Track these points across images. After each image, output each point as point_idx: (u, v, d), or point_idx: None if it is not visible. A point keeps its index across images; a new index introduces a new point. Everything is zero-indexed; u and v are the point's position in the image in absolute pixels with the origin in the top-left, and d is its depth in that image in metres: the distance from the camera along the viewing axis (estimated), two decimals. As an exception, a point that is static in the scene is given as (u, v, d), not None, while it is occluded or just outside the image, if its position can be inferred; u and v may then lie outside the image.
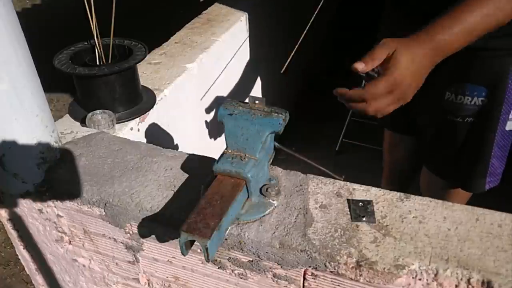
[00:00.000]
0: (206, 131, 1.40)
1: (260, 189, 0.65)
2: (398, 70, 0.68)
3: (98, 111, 0.92)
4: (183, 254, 0.55)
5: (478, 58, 0.88)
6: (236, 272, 0.67)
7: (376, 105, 0.69)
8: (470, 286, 0.53)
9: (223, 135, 0.63)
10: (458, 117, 0.96)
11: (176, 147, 1.21)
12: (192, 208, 0.57)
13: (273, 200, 0.64)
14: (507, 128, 0.96)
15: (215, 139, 1.47)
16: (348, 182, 0.68)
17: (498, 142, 0.97)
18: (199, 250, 0.67)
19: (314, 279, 0.61)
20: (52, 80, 1.38)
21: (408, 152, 1.31)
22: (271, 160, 0.68)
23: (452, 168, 1.04)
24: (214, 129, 1.44)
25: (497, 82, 0.89)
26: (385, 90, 0.68)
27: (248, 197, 0.63)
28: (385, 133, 1.36)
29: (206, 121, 1.38)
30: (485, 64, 0.89)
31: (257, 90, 1.81)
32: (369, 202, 0.63)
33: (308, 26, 1.00)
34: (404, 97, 0.70)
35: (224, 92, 1.49)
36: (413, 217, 0.61)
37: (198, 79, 1.26)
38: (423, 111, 1.05)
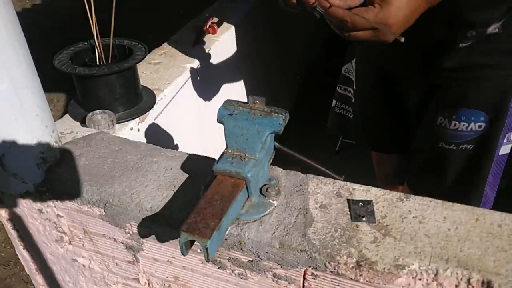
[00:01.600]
0: (206, 131, 1.40)
1: (260, 189, 0.65)
2: (391, 7, 0.62)
3: (98, 111, 0.92)
4: (183, 254, 0.55)
5: (476, 80, 0.84)
6: (236, 272, 0.67)
7: (355, 34, 0.64)
8: (470, 286, 0.53)
9: (223, 135, 0.63)
10: (452, 145, 0.90)
11: (176, 147, 1.21)
12: (192, 208, 0.57)
13: (273, 200, 0.64)
14: (500, 153, 0.90)
15: (215, 139, 1.47)
16: (348, 182, 0.68)
17: (493, 169, 0.92)
18: (199, 250, 0.67)
19: (314, 279, 0.61)
20: (52, 80, 1.38)
21: (398, 168, 1.25)
22: (271, 160, 0.68)
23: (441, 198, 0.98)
24: (214, 129, 1.44)
25: (498, 106, 0.84)
26: (370, 25, 0.63)
27: (248, 197, 0.64)
28: (371, 151, 1.32)
29: (206, 121, 1.38)
30: (484, 87, 0.84)
31: (257, 90, 1.81)
32: (369, 202, 0.63)
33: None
34: (385, 38, 0.65)
35: (224, 92, 1.49)
36: (413, 217, 0.61)
37: (198, 79, 1.26)
38: (414, 135, 1.00)
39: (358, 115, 1.16)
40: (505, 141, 0.89)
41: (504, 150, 0.90)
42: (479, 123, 0.85)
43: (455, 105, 0.86)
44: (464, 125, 0.86)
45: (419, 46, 0.84)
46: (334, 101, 1.23)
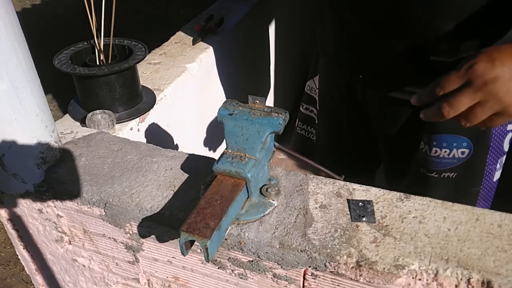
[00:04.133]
0: (206, 131, 1.40)
1: (260, 189, 0.65)
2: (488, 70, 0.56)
3: (98, 111, 0.92)
4: (183, 254, 0.55)
5: None
6: (236, 272, 0.67)
7: (453, 102, 0.57)
8: (470, 286, 0.53)
9: (223, 135, 0.63)
10: (433, 172, 0.85)
11: (176, 147, 1.21)
12: (192, 208, 0.57)
13: (273, 200, 0.64)
14: (495, 179, 0.87)
15: (215, 139, 1.47)
16: (348, 182, 0.68)
17: (483, 195, 0.88)
18: (199, 250, 0.67)
19: (314, 279, 0.61)
20: (52, 80, 1.38)
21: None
22: (271, 160, 0.68)
23: None
24: (214, 129, 1.44)
25: (480, 130, 0.79)
26: (458, 78, 0.57)
27: (248, 197, 0.64)
28: None
29: (206, 121, 1.38)
30: None
31: (257, 90, 1.81)
32: (369, 202, 0.63)
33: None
34: (498, 101, 0.56)
35: (224, 92, 1.49)
36: (413, 217, 0.61)
37: (198, 79, 1.26)
38: (396, 159, 0.94)
39: (321, 139, 1.08)
40: (497, 166, 0.85)
41: (497, 176, 0.87)
42: (462, 149, 0.82)
43: (435, 130, 0.82)
44: (445, 151, 0.82)
45: (411, 62, 0.79)
46: (297, 121, 1.15)
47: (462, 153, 0.82)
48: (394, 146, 0.93)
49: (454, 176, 0.85)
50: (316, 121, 1.07)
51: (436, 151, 0.84)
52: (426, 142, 0.84)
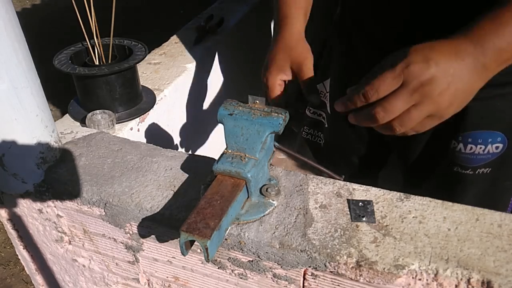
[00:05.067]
0: (206, 131, 1.40)
1: (260, 189, 0.65)
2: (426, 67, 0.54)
3: (98, 111, 0.92)
4: (183, 254, 0.55)
5: (491, 100, 0.78)
6: (236, 272, 0.67)
7: (388, 107, 0.54)
8: (470, 286, 0.53)
9: (223, 135, 0.63)
10: (468, 169, 0.83)
11: (176, 147, 1.21)
12: (192, 208, 0.57)
13: (273, 200, 0.64)
14: None
15: (215, 139, 1.47)
16: (348, 182, 0.68)
17: None
18: (199, 250, 0.67)
19: (314, 279, 0.61)
20: (52, 80, 1.38)
21: None
22: (271, 160, 0.68)
23: None
24: (214, 129, 1.44)
25: None
26: (392, 80, 0.54)
27: (248, 197, 0.64)
28: None
29: (206, 121, 1.38)
30: (500, 106, 0.78)
31: (257, 90, 1.81)
32: (369, 202, 0.63)
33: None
34: (433, 102, 0.54)
35: (224, 92, 1.49)
36: (413, 217, 0.61)
37: (198, 79, 1.26)
38: (421, 162, 0.91)
39: (331, 144, 1.05)
40: None
41: None
42: (497, 144, 0.80)
43: (470, 128, 0.81)
44: (481, 147, 0.81)
45: None
46: (303, 125, 1.12)
47: (497, 148, 0.81)
48: (420, 149, 0.90)
49: (488, 172, 0.83)
50: (326, 125, 1.05)
51: (471, 148, 0.82)
52: (460, 141, 0.82)
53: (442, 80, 0.54)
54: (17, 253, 0.94)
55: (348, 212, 0.62)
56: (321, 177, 0.69)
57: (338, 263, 0.57)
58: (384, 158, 1.00)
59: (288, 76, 0.78)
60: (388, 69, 0.55)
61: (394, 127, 0.56)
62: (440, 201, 0.63)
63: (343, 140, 1.02)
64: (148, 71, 1.18)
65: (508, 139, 0.80)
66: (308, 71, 0.76)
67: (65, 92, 1.19)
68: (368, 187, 0.66)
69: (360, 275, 0.56)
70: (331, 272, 0.58)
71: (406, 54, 0.55)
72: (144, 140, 1.04)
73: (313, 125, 1.09)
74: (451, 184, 0.88)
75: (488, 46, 0.55)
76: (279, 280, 0.64)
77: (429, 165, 0.90)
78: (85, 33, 0.96)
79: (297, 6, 0.82)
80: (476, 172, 0.84)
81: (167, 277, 0.76)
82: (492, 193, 0.87)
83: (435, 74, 0.54)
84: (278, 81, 0.77)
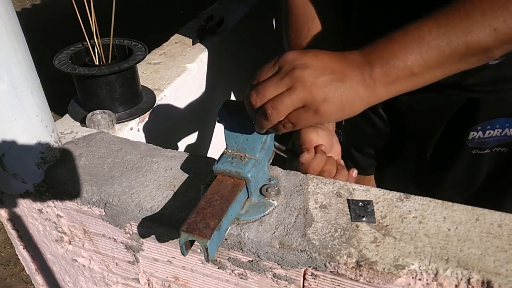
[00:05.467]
0: (206, 131, 1.40)
1: (260, 189, 0.65)
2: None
3: (98, 111, 0.92)
4: (183, 254, 0.55)
5: (502, 93, 0.81)
6: (236, 272, 0.67)
7: (260, 89, 0.54)
8: (470, 286, 0.53)
9: (223, 135, 0.63)
10: (486, 150, 0.88)
11: (176, 147, 1.21)
12: (192, 208, 0.57)
13: (273, 200, 0.64)
14: None
15: (215, 139, 1.47)
16: (348, 182, 0.68)
17: None
18: (199, 250, 0.67)
19: (314, 279, 0.61)
20: (52, 80, 1.38)
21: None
22: (271, 160, 0.68)
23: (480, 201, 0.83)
24: (214, 129, 1.44)
25: None
26: (271, 67, 0.55)
27: (248, 197, 0.64)
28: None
29: (206, 121, 1.38)
30: None
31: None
32: (369, 202, 0.63)
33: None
34: (306, 90, 0.52)
35: (224, 92, 1.49)
36: (413, 217, 0.61)
37: (198, 79, 1.26)
38: (437, 155, 0.94)
39: (349, 139, 1.07)
40: None
41: None
42: None
43: (487, 117, 0.84)
44: (498, 131, 0.85)
45: None
46: None
47: None
48: (436, 143, 0.94)
49: (505, 151, 0.87)
50: (343, 122, 1.06)
51: (489, 133, 0.85)
52: (479, 130, 0.84)
53: (317, 69, 0.52)
54: (17, 253, 0.94)
55: (348, 212, 0.62)
56: (321, 177, 0.69)
57: (338, 263, 0.57)
58: (399, 151, 1.02)
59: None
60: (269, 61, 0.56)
61: (267, 110, 0.53)
62: (440, 201, 0.63)
63: (360, 135, 1.04)
64: (148, 71, 1.18)
65: None
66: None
67: (65, 92, 1.19)
68: (368, 187, 0.66)
69: (360, 275, 0.56)
70: (331, 272, 0.58)
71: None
72: (144, 140, 1.04)
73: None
74: (470, 164, 0.90)
75: (376, 58, 0.54)
76: (279, 280, 0.64)
77: (447, 155, 0.93)
78: (85, 33, 0.96)
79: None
80: (493, 151, 0.87)
81: (167, 277, 0.76)
82: (509, 174, 0.89)
83: (310, 62, 0.53)
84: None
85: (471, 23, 0.53)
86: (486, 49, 0.54)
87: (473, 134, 0.86)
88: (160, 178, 0.71)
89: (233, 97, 1.57)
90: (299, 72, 0.52)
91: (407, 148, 1.01)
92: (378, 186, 0.86)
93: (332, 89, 0.52)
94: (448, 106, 0.88)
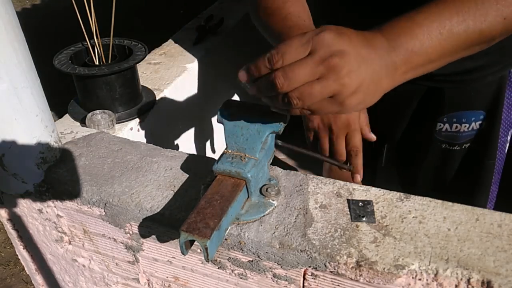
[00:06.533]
0: (206, 131, 1.40)
1: (260, 189, 0.65)
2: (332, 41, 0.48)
3: (98, 111, 0.92)
4: (183, 254, 0.55)
5: (473, 81, 0.82)
6: (236, 272, 0.67)
7: (290, 74, 0.47)
8: (470, 286, 0.53)
9: (223, 135, 0.63)
10: (455, 146, 0.89)
11: (176, 147, 1.21)
12: (192, 208, 0.57)
13: (273, 200, 0.64)
14: (505, 151, 0.91)
15: (215, 139, 1.47)
16: (348, 182, 0.68)
17: (497, 168, 0.92)
18: (199, 250, 0.67)
19: (314, 279, 0.61)
20: (52, 80, 1.38)
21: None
22: (271, 160, 0.68)
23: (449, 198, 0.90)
24: (214, 129, 1.44)
25: (495, 100, 0.84)
26: (300, 46, 0.47)
27: (248, 197, 0.64)
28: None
29: (206, 121, 1.38)
30: (481, 87, 0.82)
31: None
32: (369, 202, 0.63)
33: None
34: (339, 80, 0.47)
35: (224, 92, 1.49)
36: (413, 217, 0.61)
37: (198, 79, 1.26)
38: (409, 146, 0.95)
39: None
40: (508, 138, 0.89)
41: (506, 148, 0.90)
42: (479, 122, 0.85)
43: (454, 108, 0.84)
44: (465, 126, 0.85)
45: None
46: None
47: (480, 124, 0.85)
48: (405, 135, 0.94)
49: (470, 147, 0.88)
50: None
51: (456, 127, 0.85)
52: (446, 121, 0.85)
53: (352, 57, 0.48)
54: (17, 253, 0.94)
55: (348, 212, 0.62)
56: (321, 177, 0.69)
57: (338, 263, 0.57)
58: (382, 145, 1.02)
59: None
60: (297, 35, 0.49)
61: (292, 99, 0.49)
62: (440, 201, 0.63)
63: None
64: (148, 71, 1.18)
65: (488, 117, 0.84)
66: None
67: (65, 92, 1.20)
68: (368, 187, 0.66)
69: (360, 275, 0.56)
70: (331, 272, 0.58)
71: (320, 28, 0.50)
72: (144, 140, 1.04)
73: None
74: (441, 160, 0.92)
75: (401, 44, 0.51)
76: (279, 280, 0.64)
77: (417, 147, 0.94)
78: (85, 33, 0.96)
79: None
80: (463, 147, 0.88)
81: (167, 277, 0.76)
82: (478, 172, 0.90)
83: (347, 48, 0.48)
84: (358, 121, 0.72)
85: (486, 10, 0.52)
86: (493, 38, 0.54)
87: (440, 125, 0.87)
88: (160, 178, 0.71)
89: (233, 97, 1.57)
90: (336, 61, 0.47)
91: (387, 141, 1.02)
92: (370, 183, 0.87)
93: (363, 80, 0.48)
94: (413, 94, 0.88)
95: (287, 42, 0.48)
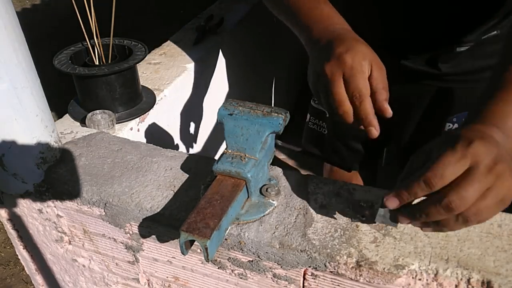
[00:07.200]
0: (206, 131, 1.40)
1: (260, 189, 0.65)
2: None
3: (98, 111, 0.92)
4: (183, 254, 0.55)
5: (471, 83, 0.83)
6: (236, 272, 0.67)
7: (463, 193, 0.46)
8: (470, 286, 0.53)
9: (223, 135, 0.63)
10: None
11: (176, 147, 1.21)
12: (192, 208, 0.57)
13: (273, 200, 0.64)
14: None
15: (215, 139, 1.47)
16: (348, 183, 0.68)
17: None
18: (199, 250, 0.67)
19: (314, 279, 0.61)
20: (52, 80, 1.38)
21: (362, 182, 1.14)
22: (271, 160, 0.68)
23: None
24: (214, 129, 1.44)
25: None
26: (457, 163, 0.47)
27: (248, 197, 0.64)
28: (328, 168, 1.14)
29: (206, 121, 1.38)
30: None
31: (257, 90, 1.81)
32: (370, 203, 0.63)
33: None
34: (506, 182, 0.47)
35: (224, 92, 1.49)
36: (413, 217, 0.61)
37: (198, 79, 1.26)
38: (416, 145, 0.95)
39: (333, 132, 1.06)
40: None
41: None
42: None
43: (463, 108, 0.84)
44: None
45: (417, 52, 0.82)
46: (308, 115, 1.15)
47: None
48: (416, 133, 0.95)
49: None
50: (327, 115, 1.06)
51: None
52: (455, 121, 0.85)
53: (506, 156, 0.48)
54: (17, 253, 0.94)
55: (348, 212, 0.62)
56: (321, 177, 0.69)
57: (338, 263, 0.57)
58: (383, 145, 1.02)
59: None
60: (447, 151, 0.48)
61: (469, 217, 0.47)
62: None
63: (345, 127, 1.03)
64: (148, 71, 1.18)
65: None
66: (382, 66, 0.62)
67: (65, 92, 1.19)
68: (369, 187, 0.66)
69: (360, 275, 0.56)
70: (331, 272, 0.58)
71: (458, 135, 0.49)
72: (144, 140, 1.04)
73: (318, 115, 1.11)
74: None
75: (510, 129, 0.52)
76: (279, 280, 0.64)
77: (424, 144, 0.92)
78: (85, 33, 0.95)
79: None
80: None
81: (167, 277, 0.76)
82: None
83: (500, 151, 0.48)
84: (367, 67, 0.60)
85: None
86: None
87: (449, 125, 0.87)
88: (160, 178, 0.71)
89: (233, 97, 1.57)
90: (501, 167, 0.47)
91: (389, 141, 1.03)
92: (370, 184, 0.87)
93: None
94: (422, 95, 0.89)
95: (440, 163, 0.47)
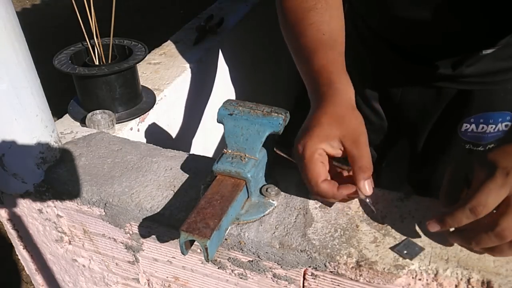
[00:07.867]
0: (206, 131, 1.40)
1: (260, 189, 0.65)
2: None
3: (98, 111, 0.92)
4: (183, 254, 0.55)
5: (503, 82, 0.83)
6: (236, 272, 0.67)
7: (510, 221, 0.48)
8: (470, 286, 0.53)
9: (223, 135, 0.63)
10: (480, 146, 0.89)
11: (176, 147, 1.21)
12: (192, 208, 0.57)
13: (273, 200, 0.64)
14: None
15: (215, 139, 1.47)
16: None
17: None
18: (199, 250, 0.67)
19: (314, 279, 0.61)
20: (52, 80, 1.38)
21: None
22: (271, 160, 0.68)
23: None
24: (214, 129, 1.44)
25: None
26: (498, 191, 0.49)
27: (248, 197, 0.64)
28: None
29: (206, 121, 1.38)
30: (506, 90, 0.83)
31: (257, 89, 1.81)
32: (413, 243, 0.58)
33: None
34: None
35: (224, 92, 1.49)
36: (413, 217, 0.61)
37: (198, 79, 1.26)
38: (430, 148, 0.95)
39: None
40: None
41: None
42: (506, 123, 0.86)
43: (481, 109, 0.85)
44: (492, 127, 0.86)
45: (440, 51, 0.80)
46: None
47: (506, 126, 0.85)
48: (432, 134, 0.94)
49: (494, 147, 0.88)
50: None
51: (483, 127, 0.86)
52: (472, 122, 0.86)
53: None
54: (17, 253, 0.94)
55: (348, 212, 0.62)
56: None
57: (338, 263, 0.57)
58: (394, 147, 1.03)
59: (334, 150, 0.59)
60: (488, 180, 0.50)
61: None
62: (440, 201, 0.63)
63: None
64: (148, 71, 1.18)
65: None
66: (365, 149, 0.59)
67: (65, 92, 1.19)
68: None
69: (360, 275, 0.56)
70: (331, 272, 0.58)
71: (490, 162, 0.51)
72: (144, 140, 1.04)
73: None
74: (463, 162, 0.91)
75: None
76: (279, 280, 0.64)
77: (440, 147, 0.93)
78: (85, 33, 0.96)
79: (343, 65, 0.67)
80: (487, 148, 0.88)
81: (167, 277, 0.76)
82: None
83: None
84: (319, 151, 0.58)
85: None
86: None
87: (466, 126, 0.87)
88: (160, 178, 0.71)
89: (233, 97, 1.57)
90: None
91: (401, 143, 1.02)
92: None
93: None
94: (441, 97, 0.89)
95: (484, 192, 0.49)
